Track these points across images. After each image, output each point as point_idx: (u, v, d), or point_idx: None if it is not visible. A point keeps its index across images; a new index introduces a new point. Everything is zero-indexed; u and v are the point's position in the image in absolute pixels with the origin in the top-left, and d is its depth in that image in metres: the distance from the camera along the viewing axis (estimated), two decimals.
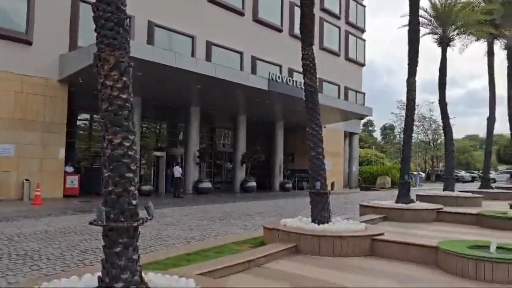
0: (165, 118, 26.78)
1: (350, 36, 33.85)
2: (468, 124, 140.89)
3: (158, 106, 22.54)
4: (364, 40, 35.80)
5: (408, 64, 12.86)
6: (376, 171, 35.81)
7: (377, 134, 78.44)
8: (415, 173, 41.36)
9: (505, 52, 23.71)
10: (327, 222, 8.02)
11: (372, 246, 7.40)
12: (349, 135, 34.59)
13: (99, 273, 3.66)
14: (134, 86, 3.81)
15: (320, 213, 8.09)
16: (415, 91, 12.68)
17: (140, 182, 20.37)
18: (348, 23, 33.76)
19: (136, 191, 3.71)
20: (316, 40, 31.58)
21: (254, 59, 25.60)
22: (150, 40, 20.57)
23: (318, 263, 6.59)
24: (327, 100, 24.29)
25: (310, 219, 8.26)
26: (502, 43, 23.49)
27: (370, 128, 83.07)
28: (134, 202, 3.64)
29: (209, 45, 23.28)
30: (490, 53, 21.82)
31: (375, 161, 43.38)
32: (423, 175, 48.77)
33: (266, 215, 13.86)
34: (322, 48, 30.86)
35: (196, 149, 23.70)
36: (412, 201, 12.36)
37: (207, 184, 23.60)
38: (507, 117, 24.14)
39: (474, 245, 6.70)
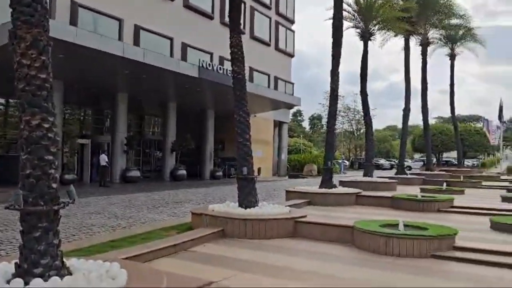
0: (90, 104, 25.57)
1: (280, 26, 34.50)
2: (388, 115, 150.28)
3: (82, 91, 21.46)
4: (293, 31, 36.68)
5: (332, 55, 13.49)
6: (304, 159, 37.13)
7: (306, 124, 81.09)
8: (339, 161, 43.49)
9: (420, 48, 25.71)
10: (254, 207, 8.30)
11: (295, 228, 7.81)
12: (278, 124, 35.43)
13: (17, 261, 3.56)
14: (55, 69, 3.70)
15: (247, 198, 8.35)
16: (338, 82, 13.36)
17: (62, 171, 19.37)
18: (278, 13, 34.36)
19: (56, 175, 3.63)
20: (246, 29, 31.67)
21: (184, 46, 25.22)
22: (73, 21, 19.45)
23: (243, 245, 6.84)
24: (258, 89, 24.68)
25: (237, 204, 8.50)
26: (417, 39, 25.41)
27: (299, 118, 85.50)
28: (54, 185, 3.57)
29: (137, 29, 22.53)
30: (407, 49, 23.47)
31: (303, 149, 44.89)
32: (347, 163, 51.43)
33: (195, 202, 13.92)
34: (253, 37, 31.18)
35: (124, 136, 22.98)
36: (334, 186, 13.09)
37: (135, 173, 23.03)
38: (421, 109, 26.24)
39: (385, 224, 7.34)
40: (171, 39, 24.41)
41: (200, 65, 20.53)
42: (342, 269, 5.68)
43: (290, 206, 9.98)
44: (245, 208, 8.14)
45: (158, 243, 6.27)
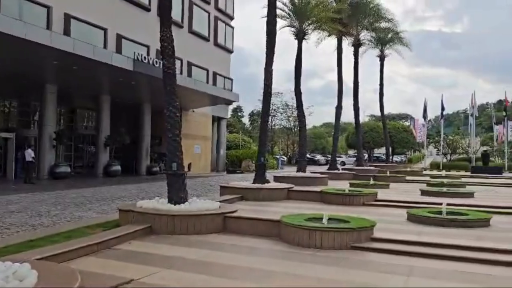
0: (16, 96, 23.94)
1: (219, 22, 34.36)
2: (325, 112, 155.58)
3: (6, 81, 20.03)
4: (232, 27, 36.69)
5: (266, 53, 13.70)
6: (242, 155, 37.42)
7: (246, 120, 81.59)
8: (277, 156, 44.32)
9: (352, 49, 26.85)
10: (184, 202, 8.27)
11: (225, 223, 7.89)
12: (217, 120, 35.35)
13: None
14: None
15: (177, 194, 8.30)
16: (271, 79, 13.61)
17: None
18: (217, 9, 34.18)
19: None
20: (185, 24, 31.22)
21: (119, 38, 24.34)
22: None
23: (171, 242, 6.81)
24: (196, 84, 24.48)
25: (167, 200, 8.41)
26: (349, 40, 26.49)
27: (240, 114, 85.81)
28: None
29: (67, 18, 21.38)
30: (339, 49, 24.37)
31: (242, 145, 45.20)
32: (285, 158, 52.50)
33: (127, 199, 13.57)
34: (192, 31, 30.79)
35: (53, 130, 21.79)
36: (267, 182, 13.34)
37: (65, 169, 21.92)
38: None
39: (311, 217, 7.63)
40: (105, 30, 23.45)
41: (135, 58, 19.96)
42: (266, 262, 5.84)
43: (222, 201, 10.07)
44: (175, 204, 8.09)
45: (80, 242, 6.06)
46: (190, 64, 30.47)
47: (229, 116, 51.73)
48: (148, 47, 25.97)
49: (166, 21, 8.58)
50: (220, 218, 7.87)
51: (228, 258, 6.00)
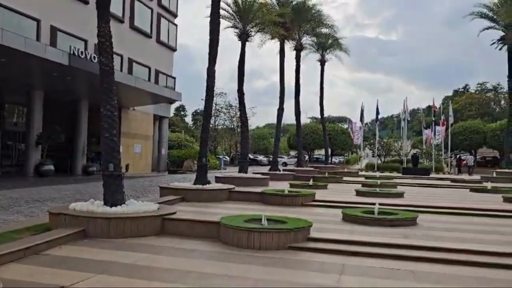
0: None
1: (162, 19, 33.66)
2: (270, 113, 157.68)
3: None
4: (176, 25, 36.10)
5: (209, 53, 13.64)
6: (184, 155, 36.92)
7: (189, 119, 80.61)
8: (220, 157, 44.22)
9: (294, 52, 27.48)
10: (120, 204, 8.02)
11: (163, 226, 7.76)
12: (159, 119, 34.61)
13: None
14: None
15: (113, 196, 8.04)
16: (214, 79, 13.57)
17: None
18: (160, 5, 33.45)
19: None
20: (126, 19, 30.25)
21: (54, 30, 23.08)
22: None
23: (105, 245, 6.58)
24: (137, 82, 23.79)
25: (103, 202, 8.12)
26: (292, 44, 27.10)
27: (183, 113, 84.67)
28: None
29: None
30: (282, 52, 24.82)
31: (185, 145, 44.58)
32: (228, 159, 52.51)
33: (60, 200, 12.91)
34: (133, 27, 29.89)
35: None
36: (208, 182, 13.27)
37: None
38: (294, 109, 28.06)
39: (250, 218, 7.72)
40: (38, 20, 22.13)
41: (71, 52, 19.03)
42: (204, 264, 5.82)
43: (162, 203, 9.87)
44: (111, 206, 7.82)
45: (4, 247, 5.68)
46: (131, 61, 29.58)
47: (171, 115, 50.84)
48: (86, 41, 24.88)
49: (104, 15, 8.28)
50: (159, 220, 7.73)
51: (165, 261, 5.92)
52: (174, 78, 36.51)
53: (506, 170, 26.50)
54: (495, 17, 28.01)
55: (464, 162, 34.92)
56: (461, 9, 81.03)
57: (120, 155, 8.35)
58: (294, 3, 25.12)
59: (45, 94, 23.51)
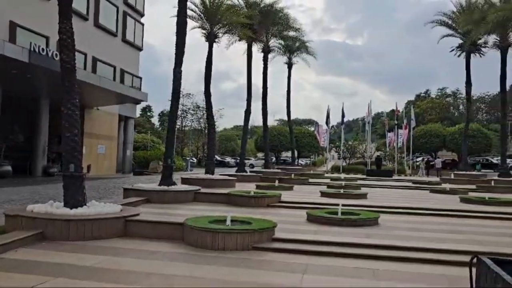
0: None
1: (128, 17, 33.05)
2: (237, 115, 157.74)
3: None
4: (142, 24, 35.55)
5: (175, 54, 13.49)
6: (150, 156, 36.37)
7: (156, 120, 79.48)
8: (187, 158, 43.84)
9: (262, 55, 27.64)
10: (81, 206, 7.80)
11: (126, 227, 7.61)
12: (124, 119, 33.95)
13: None
14: None
15: (74, 197, 7.81)
16: (180, 79, 13.43)
17: None
18: (126, 4, 32.83)
19: None
20: (90, 16, 29.49)
21: (13, 25, 22.23)
22: None
23: (64, 248, 6.38)
24: (101, 81, 23.25)
25: (63, 203, 7.88)
26: (259, 46, 27.24)
27: (149, 114, 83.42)
28: None
29: None
30: (249, 54, 24.88)
31: (151, 146, 43.92)
32: (195, 160, 52.14)
33: (18, 202, 12.44)
34: (98, 25, 29.20)
35: None
36: (174, 184, 13.12)
37: None
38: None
39: (215, 220, 7.68)
40: None
41: (32, 49, 18.39)
42: (166, 266, 5.74)
43: (125, 204, 9.66)
44: (71, 208, 7.60)
45: None
46: (95, 60, 28.87)
47: (137, 115, 49.98)
48: (47, 38, 24.08)
49: (65, 12, 8.04)
50: (121, 222, 7.57)
51: (126, 263, 5.80)
52: (140, 78, 35.93)
53: (464, 172, 27.63)
54: (454, 25, 29.18)
55: (432, 163, 36.59)
56: (423, 16, 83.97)
57: (82, 156, 8.12)
58: (262, 5, 25.26)
59: (3, 92, 22.58)
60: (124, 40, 32.88)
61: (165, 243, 7.04)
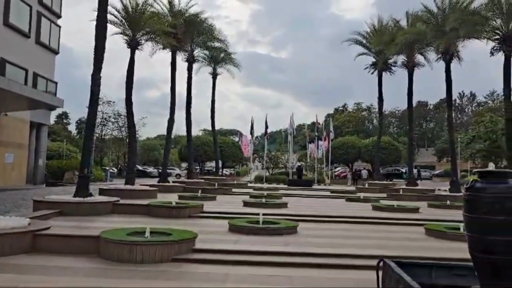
0: None
1: (43, 18, 30.95)
2: (161, 124, 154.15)
3: None
4: (59, 26, 33.52)
5: (94, 59, 12.95)
6: (65, 166, 34.22)
7: (73, 128, 75.02)
8: (107, 168, 41.93)
9: (186, 64, 27.49)
10: None
11: (35, 242, 7.10)
12: (37, 126, 31.61)
13: None
14: None
15: None
16: (99, 85, 12.89)
17: None
18: (41, 4, 30.74)
19: None
20: None
21: None
22: None
23: None
24: (10, 84, 21.49)
25: None
26: (184, 55, 27.05)
27: (66, 121, 78.69)
28: None
29: None
30: (173, 63, 24.56)
31: (67, 155, 41.35)
32: (115, 170, 50.03)
33: None
34: (7, 24, 27.01)
35: None
36: (90, 195, 12.48)
37: None
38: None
39: (133, 232, 7.45)
40: None
41: None
42: (79, 282, 5.46)
43: (34, 217, 9.01)
44: None
45: None
46: (4, 61, 26.65)
47: (52, 122, 46.92)
48: None
49: None
50: (29, 236, 7.05)
51: (35, 281, 5.42)
52: (56, 83, 33.78)
53: (377, 182, 29.56)
54: (368, 44, 31.37)
55: (359, 174, 39.15)
56: (344, 33, 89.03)
57: None
58: (186, 15, 25.13)
59: None
60: (38, 42, 30.75)
61: (79, 258, 6.68)
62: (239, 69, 33.29)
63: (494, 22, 19.02)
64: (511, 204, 3.16)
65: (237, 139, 55.64)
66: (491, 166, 3.62)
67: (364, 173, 38.90)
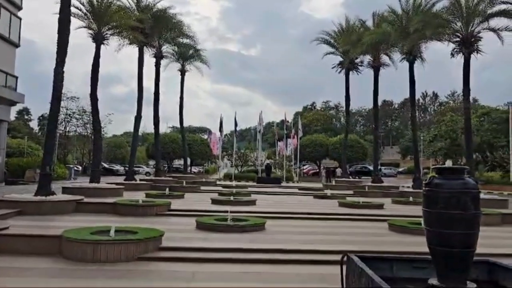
0: None
1: (2, 10, 29.73)
2: (128, 121, 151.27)
3: None
4: (20, 18, 32.27)
5: (57, 52, 12.53)
6: (26, 163, 33.01)
7: (35, 124, 72.46)
8: (70, 166, 40.75)
9: (154, 60, 27.06)
10: None
11: None
12: None
13: None
14: None
15: None
16: (62, 80, 12.50)
17: None
18: None
19: None
20: None
21: None
22: None
23: None
24: None
25: None
26: (151, 51, 26.63)
27: (27, 117, 75.99)
28: None
29: None
30: (140, 58, 24.08)
31: (28, 152, 39.88)
32: (80, 168, 48.68)
33: None
34: None
35: None
36: (52, 194, 12.11)
37: None
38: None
39: (97, 231, 7.28)
40: None
41: None
42: (39, 283, 5.31)
43: None
44: None
45: None
46: None
47: (12, 118, 45.14)
48: None
49: None
50: None
51: None
52: (16, 77, 32.50)
53: (343, 179, 30.12)
54: (335, 44, 31.84)
55: (334, 171, 39.70)
56: (312, 33, 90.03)
57: None
58: (154, 10, 24.71)
59: None
60: None
61: (40, 259, 6.48)
62: (209, 66, 33.11)
63: (455, 25, 19.69)
64: (467, 199, 3.31)
65: (206, 136, 55.26)
66: (449, 163, 3.77)
67: (339, 171, 39.46)
